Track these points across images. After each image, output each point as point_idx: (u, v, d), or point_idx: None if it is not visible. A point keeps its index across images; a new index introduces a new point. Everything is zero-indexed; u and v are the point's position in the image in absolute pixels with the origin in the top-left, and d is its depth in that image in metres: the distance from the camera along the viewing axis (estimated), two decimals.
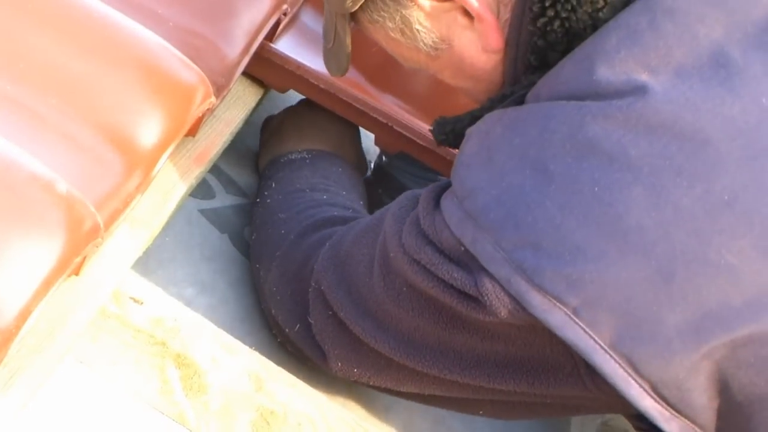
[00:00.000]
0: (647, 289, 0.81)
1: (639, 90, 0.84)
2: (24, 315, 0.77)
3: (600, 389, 0.87)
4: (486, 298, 0.85)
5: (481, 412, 1.02)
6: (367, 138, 1.31)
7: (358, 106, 1.22)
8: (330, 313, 1.01)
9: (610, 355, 0.82)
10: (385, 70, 1.29)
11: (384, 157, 1.43)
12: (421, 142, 1.23)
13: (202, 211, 1.21)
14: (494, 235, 0.85)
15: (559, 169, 0.84)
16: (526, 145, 0.86)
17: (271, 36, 1.22)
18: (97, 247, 0.87)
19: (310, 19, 1.34)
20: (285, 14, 1.23)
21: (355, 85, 1.25)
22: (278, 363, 1.08)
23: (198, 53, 1.05)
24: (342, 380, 1.12)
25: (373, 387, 1.04)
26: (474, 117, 0.99)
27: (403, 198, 0.98)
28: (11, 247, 0.77)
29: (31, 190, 0.80)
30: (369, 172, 1.42)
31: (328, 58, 1.12)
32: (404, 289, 0.93)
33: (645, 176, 0.82)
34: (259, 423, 0.98)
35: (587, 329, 0.82)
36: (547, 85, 0.91)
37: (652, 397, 0.82)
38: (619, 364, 0.82)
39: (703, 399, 0.82)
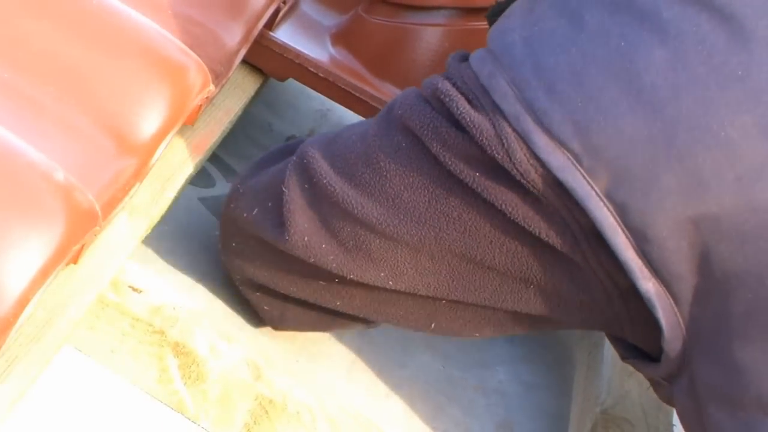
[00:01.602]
0: (648, 147, 0.83)
1: None
2: (22, 303, 0.77)
3: (598, 259, 0.88)
4: (505, 140, 0.86)
5: (433, 326, 1.00)
6: None
7: (357, 94, 1.22)
8: (307, 186, 0.97)
9: (604, 203, 0.85)
10: (385, 58, 1.28)
11: None
12: None
13: (201, 200, 1.21)
14: (511, 73, 0.87)
15: (594, 20, 0.86)
16: None
17: (270, 24, 1.21)
18: (95, 235, 0.87)
19: (309, 8, 1.34)
20: (284, 2, 1.23)
21: (354, 74, 1.25)
22: (277, 352, 1.08)
23: (197, 41, 1.04)
24: (341, 368, 1.12)
25: (334, 275, 0.98)
26: None
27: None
28: (9, 235, 0.77)
29: (29, 178, 0.80)
30: None
31: None
32: (404, 144, 0.93)
33: (670, 39, 0.84)
34: (258, 412, 0.98)
35: (585, 175, 0.85)
36: None
37: (635, 250, 0.85)
38: (611, 212, 0.85)
39: (683, 268, 0.85)
